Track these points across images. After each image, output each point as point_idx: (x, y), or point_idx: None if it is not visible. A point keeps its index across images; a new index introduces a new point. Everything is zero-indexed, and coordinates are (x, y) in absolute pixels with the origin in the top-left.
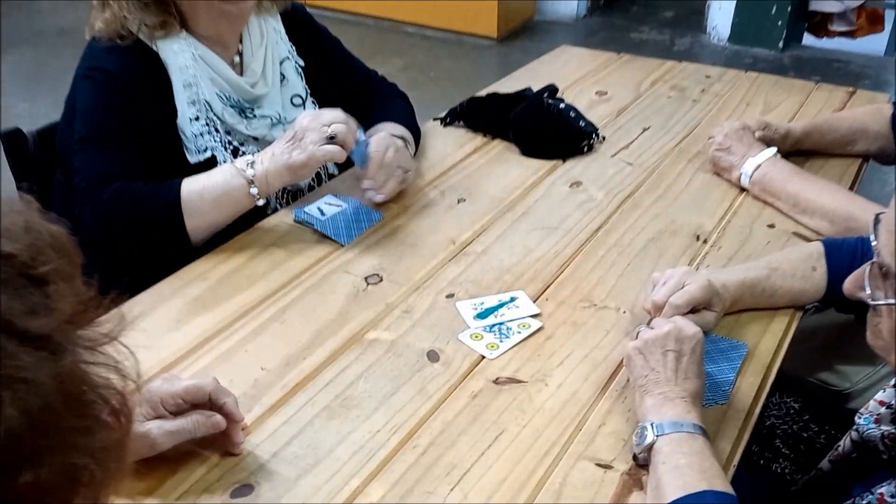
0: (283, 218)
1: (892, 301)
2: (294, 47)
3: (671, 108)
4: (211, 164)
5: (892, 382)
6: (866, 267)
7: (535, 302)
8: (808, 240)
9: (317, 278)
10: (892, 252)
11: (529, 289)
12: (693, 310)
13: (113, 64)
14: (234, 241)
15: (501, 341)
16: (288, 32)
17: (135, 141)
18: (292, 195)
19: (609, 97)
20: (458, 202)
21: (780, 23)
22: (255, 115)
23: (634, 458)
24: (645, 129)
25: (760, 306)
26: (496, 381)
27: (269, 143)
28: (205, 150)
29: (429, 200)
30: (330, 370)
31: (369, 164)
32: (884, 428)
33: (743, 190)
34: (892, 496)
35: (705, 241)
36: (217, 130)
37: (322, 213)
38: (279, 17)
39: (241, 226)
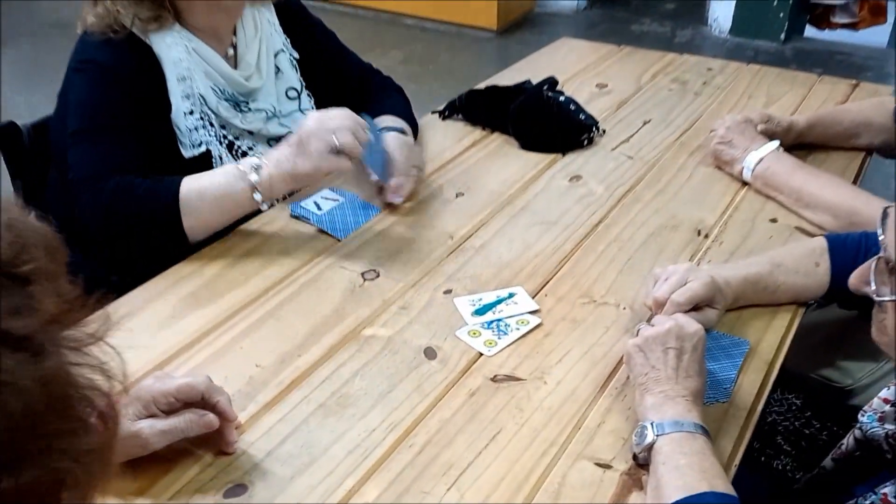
0: (279, 213)
1: None
2: (289, 39)
3: (672, 101)
4: (206, 158)
5: None
6: (872, 262)
7: (533, 298)
8: (810, 235)
9: (313, 274)
10: None
11: (528, 284)
12: (695, 307)
13: (106, 57)
14: (229, 237)
15: (500, 338)
16: (282, 24)
17: (129, 133)
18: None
19: (609, 90)
20: (457, 196)
21: (781, 15)
22: (249, 109)
23: (634, 457)
24: (646, 123)
25: (763, 302)
26: (494, 379)
27: (265, 136)
28: (199, 145)
29: (427, 195)
30: (326, 367)
31: (392, 172)
32: (888, 427)
33: (745, 184)
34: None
35: (706, 236)
36: (212, 124)
37: (318, 207)
38: (273, 8)
39: (236, 220)
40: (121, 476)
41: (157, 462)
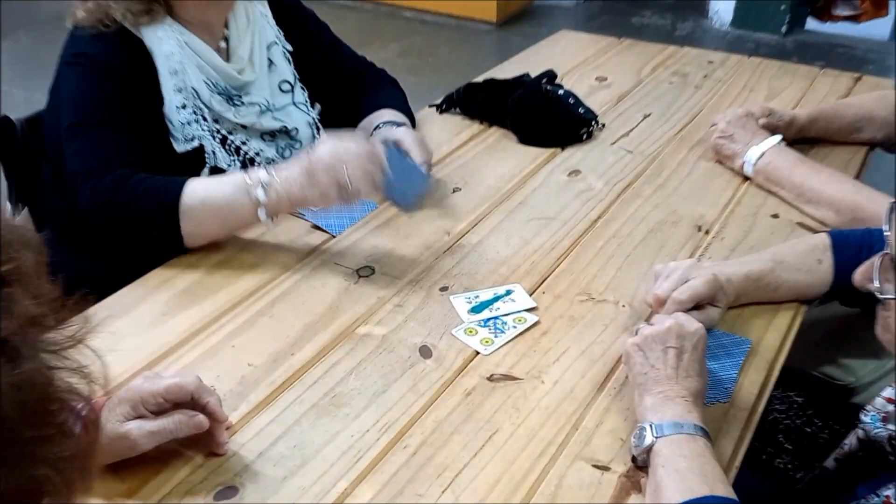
0: None
1: None
2: (282, 32)
3: (672, 95)
4: (198, 153)
5: None
6: (876, 259)
7: (531, 295)
8: (813, 230)
9: (307, 271)
10: None
11: (526, 282)
12: (697, 305)
13: (97, 50)
14: None
15: (496, 336)
16: (275, 16)
17: (122, 128)
18: None
19: (609, 83)
20: (454, 192)
21: (782, 7)
22: (242, 103)
23: (633, 459)
24: (646, 116)
25: (764, 300)
26: (490, 378)
27: (258, 130)
28: (192, 139)
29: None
30: (319, 366)
31: (423, 201)
32: (891, 427)
33: (746, 179)
34: None
35: (707, 232)
36: (205, 119)
37: None
38: (265, 0)
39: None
40: (109, 478)
41: (146, 463)
